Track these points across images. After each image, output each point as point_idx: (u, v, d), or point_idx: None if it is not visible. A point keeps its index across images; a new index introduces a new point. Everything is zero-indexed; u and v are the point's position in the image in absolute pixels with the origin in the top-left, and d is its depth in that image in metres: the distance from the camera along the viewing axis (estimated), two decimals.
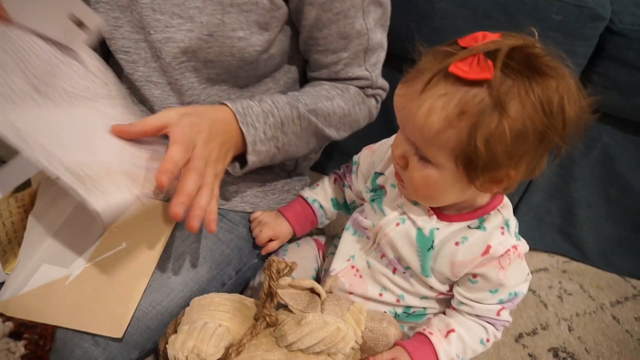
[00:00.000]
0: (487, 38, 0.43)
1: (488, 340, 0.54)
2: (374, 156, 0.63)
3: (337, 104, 0.65)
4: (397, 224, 0.55)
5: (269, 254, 0.69)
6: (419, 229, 0.53)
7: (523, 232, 0.84)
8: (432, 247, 0.53)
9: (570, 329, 0.89)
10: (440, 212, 0.53)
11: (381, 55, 0.69)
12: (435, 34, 0.81)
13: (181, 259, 0.60)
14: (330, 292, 0.56)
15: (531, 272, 0.82)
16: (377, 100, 0.73)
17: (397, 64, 0.61)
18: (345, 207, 0.70)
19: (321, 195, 0.69)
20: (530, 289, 0.87)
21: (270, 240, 0.67)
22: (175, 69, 0.59)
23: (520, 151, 0.43)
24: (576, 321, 0.91)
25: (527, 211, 0.99)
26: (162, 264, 0.57)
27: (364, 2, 0.61)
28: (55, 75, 0.49)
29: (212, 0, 0.56)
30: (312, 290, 0.53)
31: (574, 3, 0.75)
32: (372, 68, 0.68)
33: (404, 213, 0.55)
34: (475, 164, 0.43)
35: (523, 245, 0.53)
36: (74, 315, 0.49)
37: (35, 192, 0.54)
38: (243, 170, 0.60)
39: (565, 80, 0.43)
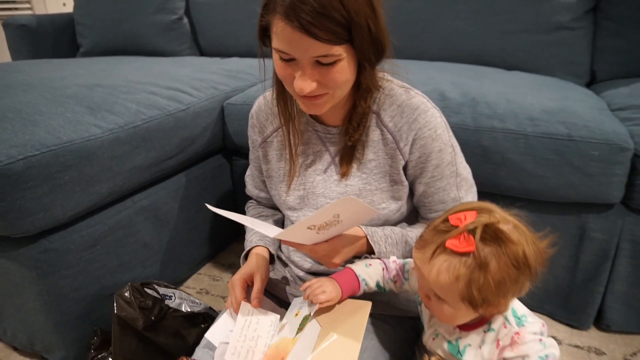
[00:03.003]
0: (467, 216, 0.61)
1: None
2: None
3: None
4: (433, 339, 0.74)
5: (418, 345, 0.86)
6: (449, 342, 0.70)
7: (616, 318, 1.13)
8: (459, 352, 0.68)
9: None
10: (461, 325, 0.69)
11: None
12: (507, 175, 1.07)
13: (367, 350, 0.79)
14: None
15: (634, 354, 1.11)
16: None
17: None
18: (384, 290, 0.82)
19: (370, 275, 0.80)
20: None
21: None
22: None
23: (503, 291, 0.60)
24: None
25: (616, 299, 1.14)
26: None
27: (456, 180, 0.85)
28: None
29: (365, 189, 0.85)
30: None
31: (605, 141, 0.99)
32: None
33: (436, 330, 0.73)
34: (475, 303, 0.60)
35: (529, 327, 0.65)
36: None
37: None
38: None
39: (522, 239, 0.60)
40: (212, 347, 0.82)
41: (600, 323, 1.19)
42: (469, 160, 0.91)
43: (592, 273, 1.12)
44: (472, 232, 0.59)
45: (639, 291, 1.11)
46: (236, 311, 0.84)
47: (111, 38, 1.97)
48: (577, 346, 1.15)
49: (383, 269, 0.81)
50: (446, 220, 0.63)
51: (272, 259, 0.96)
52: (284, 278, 0.96)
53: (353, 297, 0.80)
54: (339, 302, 0.79)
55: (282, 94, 0.85)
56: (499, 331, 0.66)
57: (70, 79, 1.25)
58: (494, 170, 1.07)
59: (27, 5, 3.63)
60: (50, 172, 0.89)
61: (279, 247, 1.02)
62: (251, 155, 1.01)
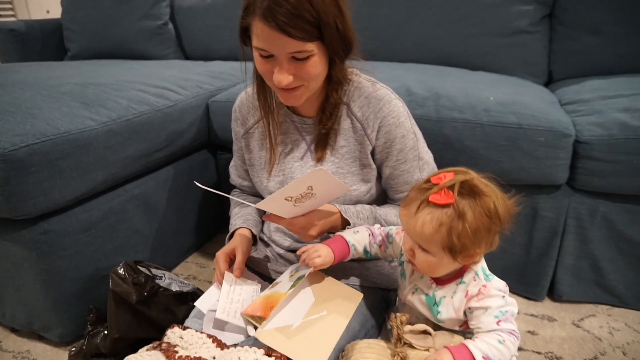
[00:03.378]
0: (446, 176, 0.71)
1: (504, 341, 0.71)
2: (402, 240, 0.87)
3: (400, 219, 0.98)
4: (413, 293, 0.82)
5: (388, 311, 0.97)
6: (426, 295, 0.79)
7: (568, 290, 1.30)
8: (435, 303, 0.78)
9: (624, 354, 1.12)
10: (438, 280, 0.79)
11: None
12: (466, 160, 1.20)
13: None
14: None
15: (582, 319, 1.24)
16: None
17: None
18: (369, 255, 0.91)
19: (358, 241, 0.89)
20: (584, 330, 1.20)
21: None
22: None
23: (478, 239, 0.70)
24: (627, 348, 1.14)
25: (565, 271, 1.26)
26: None
27: (419, 163, 0.96)
28: None
29: (338, 172, 0.95)
30: (425, 332, 0.77)
31: (549, 129, 1.12)
32: None
33: (415, 286, 0.82)
34: (455, 250, 0.70)
35: (494, 283, 0.75)
36: (292, 348, 0.76)
37: None
38: None
39: (493, 195, 0.71)
40: (201, 317, 0.91)
41: (553, 294, 1.32)
42: (432, 148, 1.02)
43: (544, 249, 1.25)
44: (451, 187, 0.70)
45: (585, 264, 1.24)
46: (220, 281, 0.93)
47: (98, 42, 2.05)
48: (532, 315, 1.27)
49: (369, 235, 0.90)
50: (428, 180, 0.74)
51: (254, 240, 1.05)
52: (266, 256, 1.06)
53: (343, 261, 0.90)
54: (332, 264, 0.87)
55: (262, 89, 0.94)
56: (469, 283, 0.76)
57: (63, 79, 1.33)
58: (455, 157, 1.19)
59: (11, 12, 3.67)
60: (50, 159, 0.97)
61: (261, 229, 1.11)
62: (234, 147, 1.10)
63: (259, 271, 1.05)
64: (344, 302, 0.85)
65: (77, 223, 1.07)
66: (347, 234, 0.90)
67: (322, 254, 0.85)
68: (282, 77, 0.80)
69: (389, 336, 0.89)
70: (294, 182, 0.76)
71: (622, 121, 1.12)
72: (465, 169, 0.74)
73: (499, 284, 0.76)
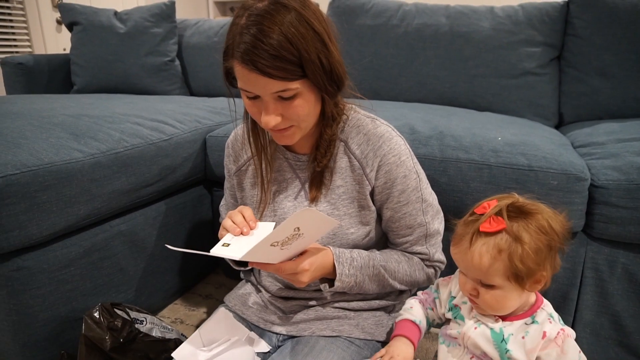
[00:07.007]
0: (490, 204, 0.69)
1: None
2: (450, 285, 0.84)
3: (402, 267, 0.91)
4: (475, 328, 0.75)
5: None
6: (492, 329, 0.73)
7: (586, 348, 1.08)
8: (503, 340, 0.72)
9: None
10: (504, 317, 0.73)
11: (438, 239, 0.94)
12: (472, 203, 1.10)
13: None
14: None
15: None
16: (435, 270, 0.96)
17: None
18: (430, 323, 0.88)
19: (421, 315, 0.86)
20: None
21: None
22: None
23: (541, 259, 0.67)
24: None
25: (584, 328, 1.15)
26: None
27: (422, 205, 0.89)
28: None
29: (334, 214, 0.88)
30: None
31: (562, 171, 1.05)
32: (431, 248, 0.93)
33: (478, 320, 0.75)
34: (521, 276, 0.66)
35: (569, 330, 0.72)
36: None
37: None
38: (330, 290, 0.87)
39: (543, 211, 0.69)
40: None
41: None
42: (436, 189, 0.96)
43: (560, 302, 1.14)
44: (499, 213, 0.67)
45: (605, 320, 1.13)
46: (222, 235, 0.85)
47: (103, 77, 2.05)
48: None
49: (420, 303, 0.87)
50: (473, 213, 0.71)
51: None
52: (255, 303, 0.98)
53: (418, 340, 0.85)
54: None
55: (255, 127, 0.90)
56: (544, 324, 0.70)
57: (58, 110, 1.30)
58: (460, 199, 1.12)
59: (29, 50, 3.76)
60: (28, 191, 0.92)
61: (251, 274, 1.04)
62: (226, 184, 1.05)
63: (247, 319, 0.96)
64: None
65: (55, 259, 1.01)
66: (407, 314, 0.86)
67: (400, 352, 0.80)
68: (269, 119, 0.76)
69: None
70: (280, 227, 0.69)
71: None
72: (508, 194, 0.72)
73: (573, 332, 0.72)
